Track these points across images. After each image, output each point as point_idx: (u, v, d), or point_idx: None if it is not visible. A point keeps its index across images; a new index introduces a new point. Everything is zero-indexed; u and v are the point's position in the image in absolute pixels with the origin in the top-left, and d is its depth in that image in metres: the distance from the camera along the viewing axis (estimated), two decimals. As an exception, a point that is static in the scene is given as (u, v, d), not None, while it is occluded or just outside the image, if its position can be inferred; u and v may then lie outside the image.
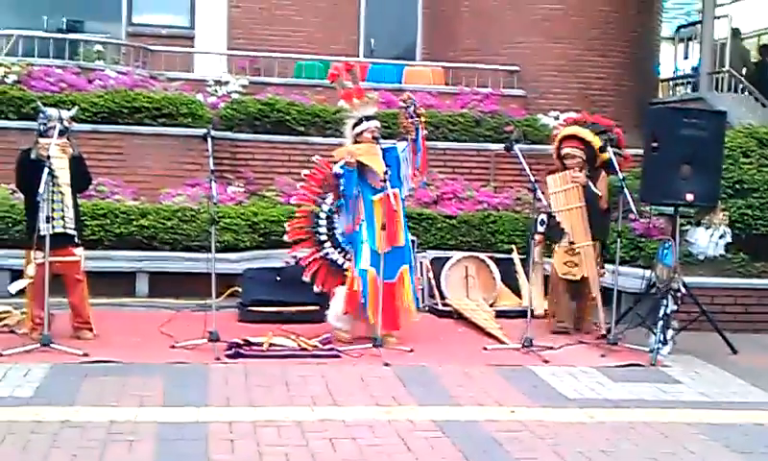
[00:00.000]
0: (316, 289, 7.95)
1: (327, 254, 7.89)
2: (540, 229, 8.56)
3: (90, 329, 7.48)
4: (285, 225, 8.16)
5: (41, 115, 7.29)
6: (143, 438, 5.08)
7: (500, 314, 8.84)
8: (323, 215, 7.91)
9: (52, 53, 12.55)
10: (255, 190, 11.14)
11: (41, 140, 7.13)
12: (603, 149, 8.16)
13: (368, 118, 7.75)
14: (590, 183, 8.22)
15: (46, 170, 6.80)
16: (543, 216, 8.49)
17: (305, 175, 8.08)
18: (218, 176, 8.02)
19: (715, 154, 8.12)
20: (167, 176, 10.71)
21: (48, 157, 6.90)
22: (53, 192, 7.07)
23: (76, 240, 7.39)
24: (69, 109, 7.70)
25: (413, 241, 9.24)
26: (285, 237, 8.08)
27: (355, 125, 7.75)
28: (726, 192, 9.39)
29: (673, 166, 7.90)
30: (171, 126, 11.03)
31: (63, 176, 7.20)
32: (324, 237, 7.90)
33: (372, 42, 15.29)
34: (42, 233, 6.97)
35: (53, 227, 7.07)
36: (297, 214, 8.07)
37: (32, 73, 11.45)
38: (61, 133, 7.18)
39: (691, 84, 15.80)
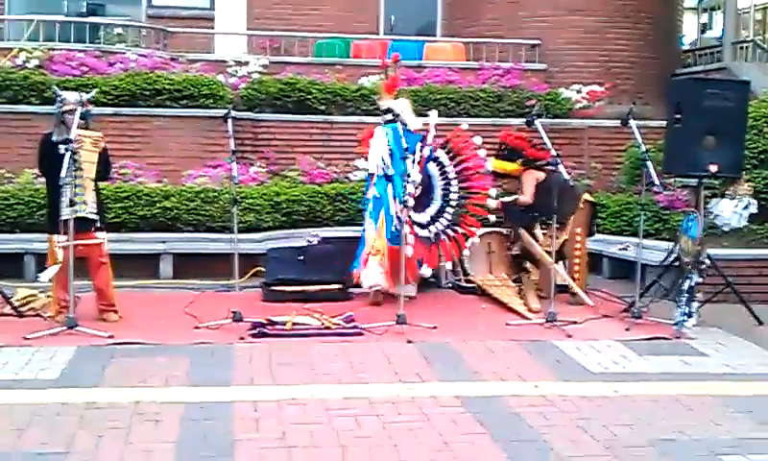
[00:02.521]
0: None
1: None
2: None
3: (115, 311, 7.53)
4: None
5: (58, 99, 7.32)
6: (168, 418, 5.12)
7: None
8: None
9: (73, 37, 12.61)
10: (277, 170, 11.14)
11: (77, 131, 7.06)
12: (625, 122, 8.08)
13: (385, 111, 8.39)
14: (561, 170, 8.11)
15: (68, 155, 6.81)
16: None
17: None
18: (239, 156, 8.03)
19: (739, 124, 8.05)
20: (189, 157, 10.73)
21: (68, 141, 6.90)
22: (75, 177, 7.04)
23: (98, 224, 7.43)
24: (88, 92, 7.73)
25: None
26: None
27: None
28: (750, 163, 9.31)
29: (696, 137, 7.84)
30: (192, 107, 11.05)
31: (88, 166, 7.25)
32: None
33: (392, 19, 15.24)
34: (65, 218, 7.00)
35: (75, 211, 7.06)
36: None
37: (53, 57, 11.50)
38: (83, 117, 7.20)
39: (715, 54, 15.65)
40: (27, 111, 10.68)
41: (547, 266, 8.32)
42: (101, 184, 7.74)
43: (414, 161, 8.01)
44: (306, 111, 11.72)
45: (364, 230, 8.34)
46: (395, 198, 8.10)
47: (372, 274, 8.09)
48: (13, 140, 10.51)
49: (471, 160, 8.69)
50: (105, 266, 7.50)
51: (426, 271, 8.44)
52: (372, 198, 8.27)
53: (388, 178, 8.22)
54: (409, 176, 7.64)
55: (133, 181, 9.99)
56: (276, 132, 11.60)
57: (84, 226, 7.23)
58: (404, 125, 8.20)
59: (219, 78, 11.83)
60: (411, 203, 7.72)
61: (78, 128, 7.07)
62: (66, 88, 10.19)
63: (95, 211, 7.39)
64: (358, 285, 8.32)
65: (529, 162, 8.76)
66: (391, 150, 8.22)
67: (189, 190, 9.99)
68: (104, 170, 7.57)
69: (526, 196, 8.65)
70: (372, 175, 8.35)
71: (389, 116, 8.34)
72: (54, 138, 7.19)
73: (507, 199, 8.90)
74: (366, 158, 8.79)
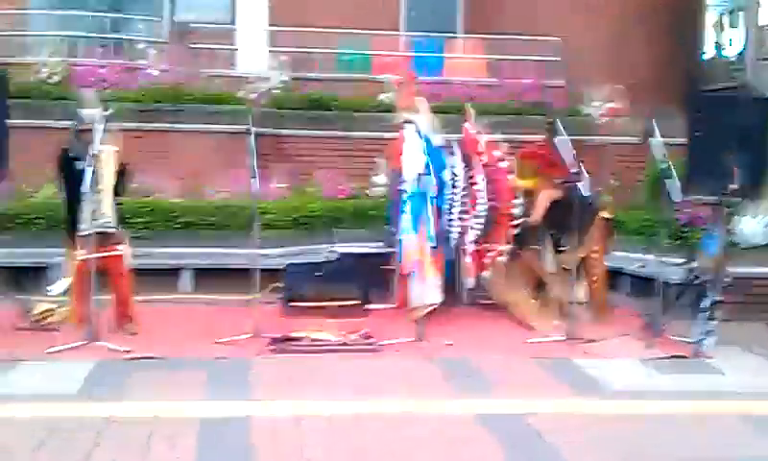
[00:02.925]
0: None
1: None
2: None
3: (133, 322, 7.59)
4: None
5: (78, 116, 7.41)
6: (186, 433, 5.13)
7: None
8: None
9: (96, 52, 12.71)
10: (298, 185, 11.18)
11: (96, 145, 7.12)
12: (646, 139, 8.04)
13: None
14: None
15: (90, 170, 6.87)
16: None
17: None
18: (260, 171, 8.05)
19: (761, 140, 7.99)
20: (210, 171, 10.79)
21: (93, 156, 6.96)
22: (93, 197, 7.13)
23: (116, 236, 7.49)
24: (106, 109, 7.75)
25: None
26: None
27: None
28: (772, 180, 9.24)
29: (717, 154, 7.78)
30: (213, 122, 11.12)
31: (107, 180, 7.34)
32: None
33: (411, 12, 15.19)
34: (85, 232, 7.07)
35: (92, 225, 7.16)
36: None
37: (75, 71, 11.60)
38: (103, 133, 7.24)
39: (737, 69, 15.57)
40: (49, 126, 10.77)
41: (550, 284, 8.32)
42: (120, 198, 7.79)
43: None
44: (327, 127, 11.76)
45: (400, 247, 8.12)
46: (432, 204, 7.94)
47: (430, 292, 7.86)
48: (35, 155, 10.56)
49: (497, 170, 8.62)
50: (124, 278, 7.56)
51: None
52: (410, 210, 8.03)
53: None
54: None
55: (155, 195, 10.05)
56: (296, 146, 11.65)
57: (104, 238, 7.31)
58: (426, 139, 8.10)
59: (240, 93, 11.90)
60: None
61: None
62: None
63: (114, 225, 7.46)
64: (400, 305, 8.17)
65: (546, 179, 8.69)
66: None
67: (209, 205, 10.04)
68: (122, 184, 7.63)
69: (536, 215, 8.58)
70: (404, 190, 8.13)
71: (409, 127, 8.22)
72: (71, 154, 7.26)
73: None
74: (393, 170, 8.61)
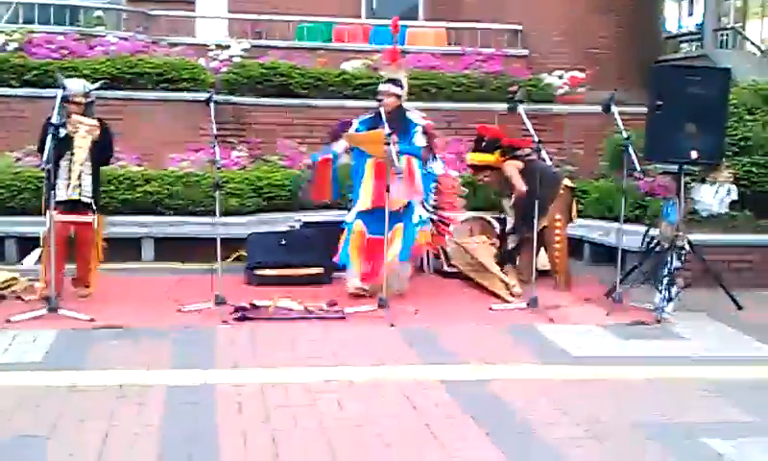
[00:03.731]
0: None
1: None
2: None
3: (87, 287, 7.65)
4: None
5: (62, 87, 7.36)
6: (152, 401, 5.12)
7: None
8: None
9: (53, 19, 12.53)
10: (259, 154, 11.13)
11: (74, 117, 7.30)
12: (607, 108, 8.10)
13: (386, 82, 8.02)
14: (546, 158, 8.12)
15: (49, 138, 6.85)
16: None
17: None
18: (221, 140, 8.00)
19: (720, 111, 8.09)
20: (171, 141, 10.70)
21: (56, 126, 6.98)
22: (70, 162, 7.35)
23: (92, 207, 7.56)
24: (93, 82, 7.92)
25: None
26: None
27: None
28: (731, 149, 9.38)
29: (677, 124, 7.88)
30: (173, 91, 11.03)
31: (81, 152, 7.41)
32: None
33: (373, 3, 15.22)
34: (57, 199, 7.12)
35: (67, 192, 7.34)
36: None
37: (32, 40, 11.44)
38: (88, 106, 7.51)
39: (696, 41, 15.72)
40: (6, 95, 10.63)
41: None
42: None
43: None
44: (288, 96, 11.71)
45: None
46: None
47: (351, 278, 7.93)
48: (-7, 124, 10.46)
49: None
50: (89, 246, 7.61)
51: None
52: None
53: None
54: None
55: (115, 165, 9.94)
56: (257, 116, 11.59)
57: (78, 207, 7.44)
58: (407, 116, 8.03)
59: (200, 61, 11.80)
60: None
61: (77, 114, 7.36)
62: (47, 71, 10.20)
63: (89, 195, 7.52)
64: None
65: (507, 152, 8.74)
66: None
67: (171, 174, 9.98)
68: (104, 153, 7.73)
69: (519, 187, 8.52)
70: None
71: (387, 86, 7.96)
72: (53, 122, 7.12)
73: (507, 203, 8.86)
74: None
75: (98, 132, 7.50)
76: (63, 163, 7.34)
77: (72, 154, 7.37)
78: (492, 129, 9.08)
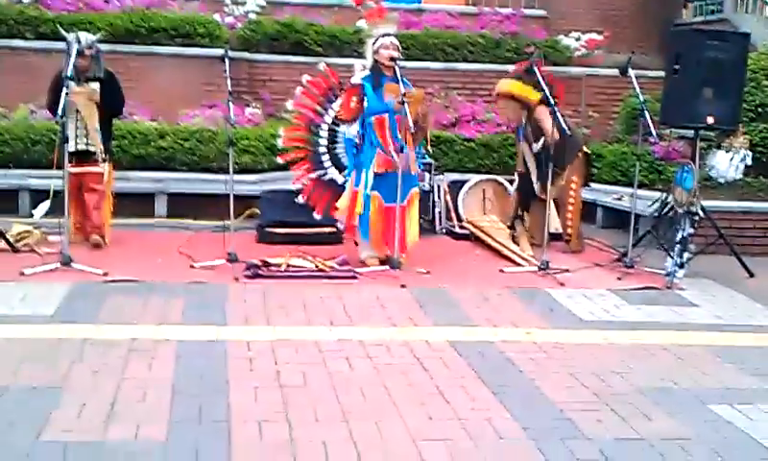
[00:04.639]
0: (316, 216, 8.01)
1: (326, 173, 7.90)
2: None
3: (101, 236, 7.89)
4: (280, 130, 8.12)
5: (67, 41, 7.48)
6: (163, 356, 5.16)
7: (517, 237, 8.85)
8: (324, 127, 7.89)
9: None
10: (273, 112, 11.11)
11: (70, 85, 7.25)
12: (624, 71, 8.03)
13: (385, 35, 7.56)
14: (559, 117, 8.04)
15: (64, 92, 6.93)
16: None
17: (307, 81, 8.00)
18: (235, 97, 7.99)
19: (737, 76, 8.04)
20: (185, 97, 10.67)
21: (66, 78, 7.08)
22: (77, 120, 7.70)
23: (101, 157, 7.87)
24: (94, 34, 8.07)
25: (431, 164, 9.27)
26: (279, 143, 8.07)
27: (374, 43, 7.59)
28: (747, 115, 9.32)
29: (694, 89, 7.84)
30: (188, 46, 10.98)
31: (86, 109, 7.74)
32: (322, 150, 7.91)
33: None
34: (70, 149, 7.35)
35: (76, 144, 7.67)
36: (294, 121, 8.04)
37: (49, -7, 11.40)
38: (94, 58, 7.76)
39: (716, 4, 15.52)
40: (22, 47, 10.62)
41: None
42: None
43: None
44: (303, 53, 11.66)
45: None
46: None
47: (363, 249, 7.76)
48: (8, 76, 10.46)
49: None
50: (98, 193, 7.87)
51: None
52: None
53: None
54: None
55: (128, 119, 9.95)
56: (272, 73, 11.55)
57: (86, 156, 7.78)
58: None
59: (215, 17, 11.74)
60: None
61: (90, 69, 7.73)
62: (62, 24, 10.18)
63: (97, 146, 7.81)
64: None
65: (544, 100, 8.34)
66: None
67: (185, 130, 9.97)
68: (113, 105, 8.04)
69: (553, 131, 8.19)
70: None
71: (392, 39, 7.48)
72: (66, 75, 7.24)
73: (535, 146, 8.57)
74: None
75: (97, 96, 7.77)
76: (70, 116, 7.52)
77: (78, 112, 7.68)
78: (546, 71, 8.87)
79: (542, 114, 8.35)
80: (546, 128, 8.25)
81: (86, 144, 7.80)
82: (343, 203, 7.61)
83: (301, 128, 7.95)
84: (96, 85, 7.78)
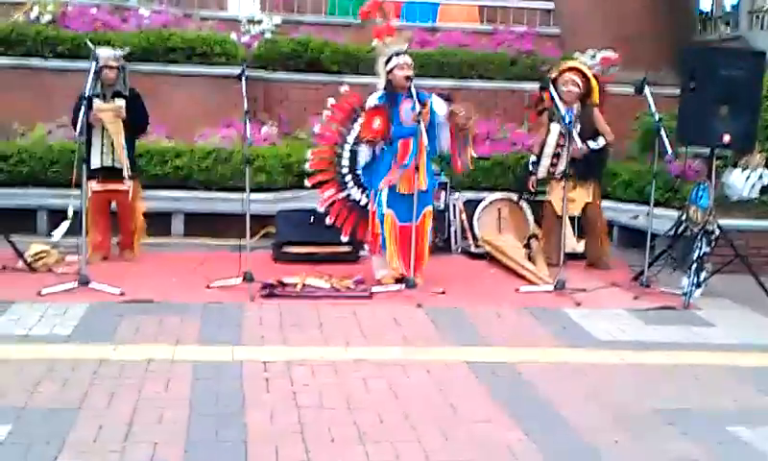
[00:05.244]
0: (344, 238, 8.01)
1: (350, 195, 7.91)
2: (533, 168, 8.71)
3: (132, 250, 8.28)
4: (308, 153, 8.12)
5: (94, 56, 7.57)
6: (180, 376, 5.18)
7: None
8: (346, 148, 7.91)
9: (86, -8, 12.56)
10: (289, 131, 11.15)
11: (95, 107, 7.72)
12: (640, 90, 8.05)
13: (398, 54, 7.54)
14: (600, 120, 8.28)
15: (82, 111, 7.06)
16: (533, 157, 8.68)
17: (332, 105, 8.02)
18: (252, 116, 8.01)
19: (754, 95, 8.01)
20: (202, 116, 10.72)
21: (89, 98, 7.31)
22: (102, 137, 7.92)
23: (128, 174, 8.04)
24: (122, 49, 8.33)
25: (445, 183, 9.28)
26: (306, 166, 8.07)
27: (387, 62, 7.59)
28: (763, 134, 9.27)
29: (710, 107, 7.82)
30: (205, 65, 11.04)
31: (113, 127, 7.92)
32: (345, 171, 7.90)
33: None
34: (94, 166, 7.82)
35: (102, 161, 7.93)
36: (320, 144, 8.06)
37: (66, 12, 11.48)
38: (120, 70, 8.02)
39: (731, 22, 15.50)
40: (40, 66, 10.69)
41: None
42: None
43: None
44: (319, 72, 11.70)
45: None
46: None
47: (379, 268, 7.83)
48: (27, 95, 10.53)
49: None
50: (128, 209, 8.20)
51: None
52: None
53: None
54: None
55: (145, 139, 9.99)
56: (288, 92, 11.61)
57: (113, 174, 8.02)
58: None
59: (232, 36, 11.80)
60: None
61: (115, 84, 7.98)
62: (80, 44, 10.27)
63: (123, 163, 7.98)
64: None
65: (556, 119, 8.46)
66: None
67: (201, 149, 10.01)
68: (138, 122, 8.23)
69: (609, 132, 8.61)
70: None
71: (406, 58, 7.48)
72: (89, 94, 7.42)
73: (594, 144, 8.52)
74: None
75: (123, 112, 7.91)
76: (96, 133, 7.83)
77: (104, 129, 7.86)
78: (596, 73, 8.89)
79: (599, 116, 8.58)
80: (605, 129, 8.53)
81: (113, 161, 7.97)
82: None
83: (326, 150, 7.97)
84: (122, 102, 7.94)
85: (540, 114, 8.73)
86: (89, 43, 7.99)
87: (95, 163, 7.88)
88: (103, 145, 7.92)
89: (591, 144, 8.43)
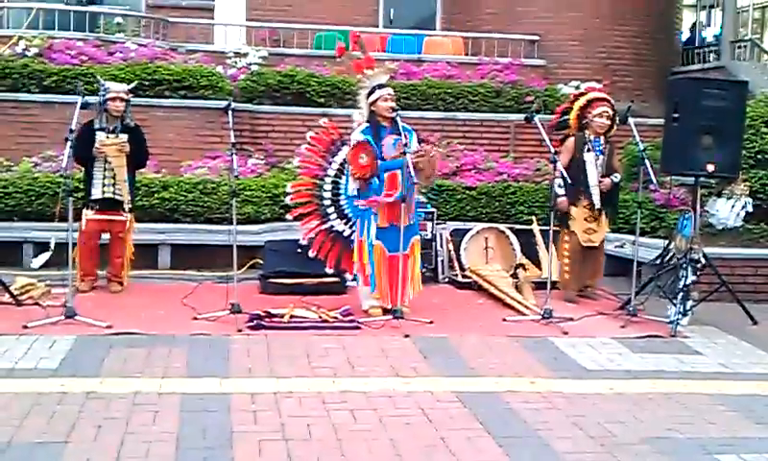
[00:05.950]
0: (328, 270, 8.01)
1: (333, 226, 7.91)
2: (561, 191, 8.36)
3: (120, 283, 8.22)
4: (288, 187, 8.12)
5: (102, 88, 7.92)
6: (167, 409, 5.15)
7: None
8: (328, 180, 7.92)
9: (72, 26, 12.63)
10: (275, 162, 11.19)
11: (97, 142, 7.89)
12: (624, 120, 8.12)
13: (380, 86, 7.59)
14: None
15: (67, 146, 6.95)
16: (560, 181, 8.28)
17: (311, 137, 8.04)
18: (238, 148, 8.04)
19: (736, 124, 8.08)
20: (188, 148, 10.77)
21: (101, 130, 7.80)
22: (105, 169, 8.00)
23: (125, 207, 8.13)
24: (129, 83, 8.50)
25: (432, 213, 9.31)
26: (287, 200, 8.06)
27: (369, 94, 7.62)
28: (747, 163, 9.36)
29: (694, 136, 7.87)
30: (191, 98, 11.08)
31: (117, 162, 8.01)
32: (327, 202, 7.91)
33: (391, 12, 15.28)
34: (94, 197, 8.00)
35: (103, 192, 8.02)
36: (300, 177, 8.06)
37: (52, 46, 11.52)
38: (127, 103, 8.08)
39: (713, 52, 15.67)
40: (26, 100, 10.72)
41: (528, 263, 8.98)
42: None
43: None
44: (305, 104, 11.77)
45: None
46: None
47: (365, 298, 7.79)
48: (12, 128, 10.56)
49: None
50: (122, 242, 8.20)
51: None
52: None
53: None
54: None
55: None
56: (274, 124, 11.66)
57: (112, 205, 8.11)
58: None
59: (218, 69, 11.86)
60: None
61: (122, 116, 8.05)
62: (66, 77, 10.29)
63: (123, 195, 8.06)
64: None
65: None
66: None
67: (188, 181, 10.03)
68: (139, 157, 8.30)
69: (620, 169, 8.73)
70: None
71: (389, 90, 7.55)
72: (95, 126, 7.85)
73: (615, 178, 8.51)
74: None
75: (128, 148, 8.01)
76: (98, 165, 7.96)
77: (107, 161, 7.96)
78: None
79: (614, 150, 8.63)
80: (617, 166, 8.64)
81: (113, 193, 8.06)
82: (356, 256, 7.67)
83: (307, 183, 7.97)
84: (125, 137, 8.02)
85: (563, 142, 8.62)
86: (99, 79, 8.23)
87: (96, 194, 8.02)
88: (104, 177, 8.01)
89: (614, 178, 8.48)
